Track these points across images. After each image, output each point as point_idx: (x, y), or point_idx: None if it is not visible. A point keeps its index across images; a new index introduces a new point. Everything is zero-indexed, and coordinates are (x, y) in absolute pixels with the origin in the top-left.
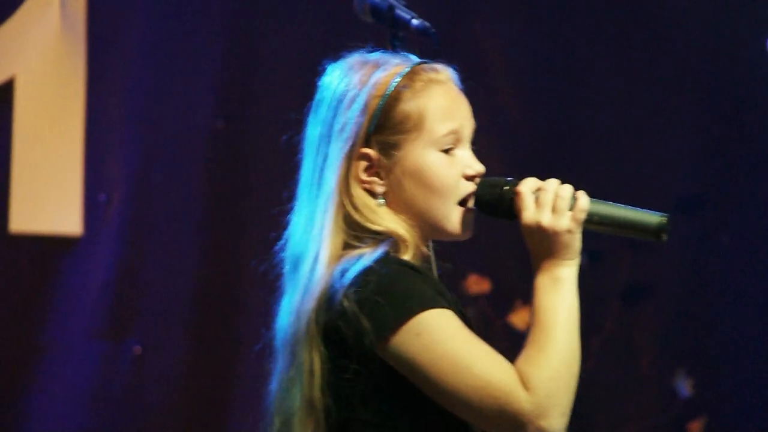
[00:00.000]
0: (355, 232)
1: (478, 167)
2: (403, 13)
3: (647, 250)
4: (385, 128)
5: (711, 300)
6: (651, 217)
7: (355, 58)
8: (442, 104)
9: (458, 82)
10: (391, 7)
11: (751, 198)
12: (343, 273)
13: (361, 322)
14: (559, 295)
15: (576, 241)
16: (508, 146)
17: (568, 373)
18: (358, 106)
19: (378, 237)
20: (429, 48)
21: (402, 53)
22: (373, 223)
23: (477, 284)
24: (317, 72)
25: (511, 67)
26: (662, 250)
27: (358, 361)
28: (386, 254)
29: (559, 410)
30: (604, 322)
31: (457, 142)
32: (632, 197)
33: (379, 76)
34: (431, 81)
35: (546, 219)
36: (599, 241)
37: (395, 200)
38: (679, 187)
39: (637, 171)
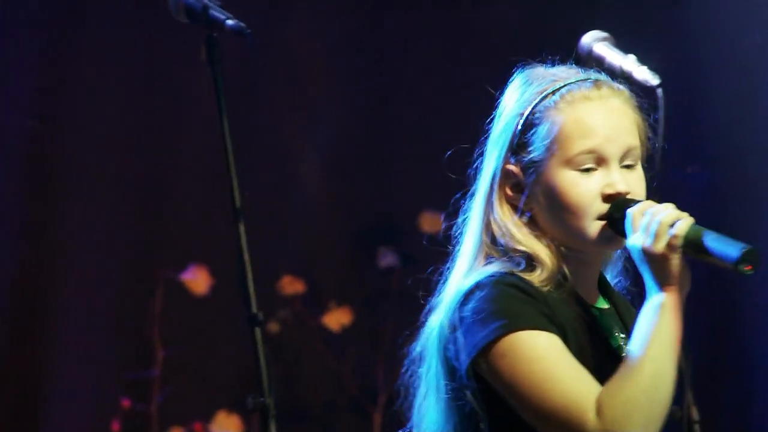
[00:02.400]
0: (498, 247)
1: (620, 187)
2: (217, 13)
3: None
4: (525, 146)
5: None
6: (734, 249)
7: (525, 73)
8: (581, 123)
9: (623, 99)
10: (206, 8)
11: None
12: (462, 288)
13: (458, 338)
14: (653, 321)
15: (673, 267)
16: (324, 146)
17: (647, 400)
18: (505, 124)
19: (517, 253)
20: (244, 49)
21: (583, 69)
22: (510, 239)
23: (291, 285)
24: (135, 70)
25: (326, 69)
26: None
27: (459, 377)
28: (501, 273)
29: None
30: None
31: (598, 161)
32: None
33: (529, 93)
34: (576, 99)
35: (643, 243)
36: None
37: (538, 217)
38: None
39: (459, 173)
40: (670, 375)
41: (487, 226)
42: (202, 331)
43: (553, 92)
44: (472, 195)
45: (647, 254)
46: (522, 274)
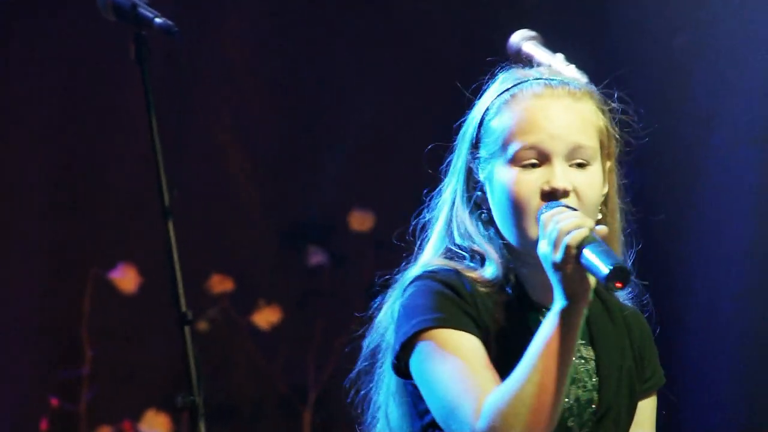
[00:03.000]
0: (458, 244)
1: (557, 183)
2: (145, 11)
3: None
4: (479, 145)
5: None
6: (604, 265)
7: (504, 73)
8: (526, 119)
9: (578, 99)
10: (134, 6)
11: None
12: (405, 281)
13: (393, 329)
14: (548, 331)
15: (570, 277)
16: (253, 144)
17: (529, 411)
18: (467, 122)
19: (470, 251)
20: (173, 47)
21: (532, 70)
22: (466, 236)
23: (220, 284)
24: (63, 68)
25: (255, 67)
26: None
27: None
28: (441, 269)
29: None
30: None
31: (541, 157)
32: (375, 197)
33: (491, 92)
34: (526, 97)
35: (545, 250)
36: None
37: (494, 215)
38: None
39: (389, 171)
40: (556, 386)
41: (449, 223)
42: (131, 330)
43: (507, 90)
44: (440, 191)
45: (548, 262)
46: (467, 273)
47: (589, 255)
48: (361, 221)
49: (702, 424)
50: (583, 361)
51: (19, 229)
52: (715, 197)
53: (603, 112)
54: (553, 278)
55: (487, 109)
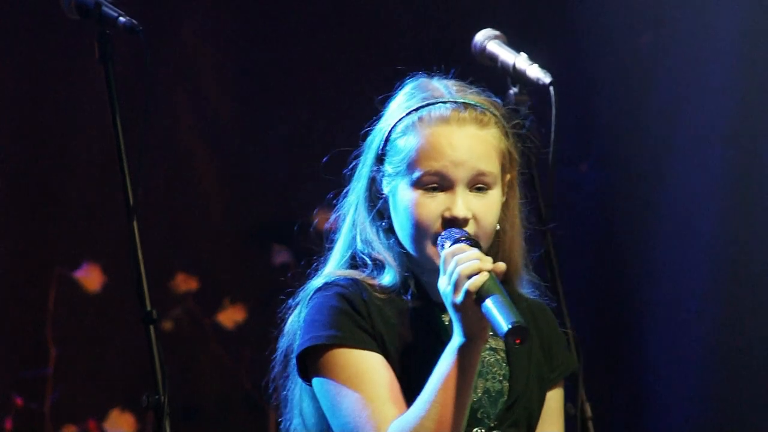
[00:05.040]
0: (361, 250)
1: (457, 212)
2: (109, 10)
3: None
4: (385, 159)
5: None
6: (504, 322)
7: (413, 83)
8: (430, 144)
9: (483, 125)
10: (98, 5)
11: None
12: (310, 289)
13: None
14: (447, 366)
15: (468, 318)
16: (217, 144)
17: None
18: (375, 132)
19: (372, 258)
20: (138, 46)
21: (442, 86)
22: (368, 243)
23: (185, 283)
24: (26, 67)
25: (220, 66)
26: None
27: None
28: (341, 279)
29: None
30: None
31: (444, 183)
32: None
33: (401, 106)
34: (433, 121)
35: (445, 289)
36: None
37: (395, 227)
38: None
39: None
40: (454, 420)
41: (353, 228)
42: (96, 329)
43: (417, 109)
44: (345, 195)
45: (448, 301)
46: (367, 281)
47: (491, 307)
48: (326, 220)
49: (666, 422)
50: (492, 352)
51: None
52: (679, 196)
53: (506, 133)
54: (453, 316)
55: (395, 125)
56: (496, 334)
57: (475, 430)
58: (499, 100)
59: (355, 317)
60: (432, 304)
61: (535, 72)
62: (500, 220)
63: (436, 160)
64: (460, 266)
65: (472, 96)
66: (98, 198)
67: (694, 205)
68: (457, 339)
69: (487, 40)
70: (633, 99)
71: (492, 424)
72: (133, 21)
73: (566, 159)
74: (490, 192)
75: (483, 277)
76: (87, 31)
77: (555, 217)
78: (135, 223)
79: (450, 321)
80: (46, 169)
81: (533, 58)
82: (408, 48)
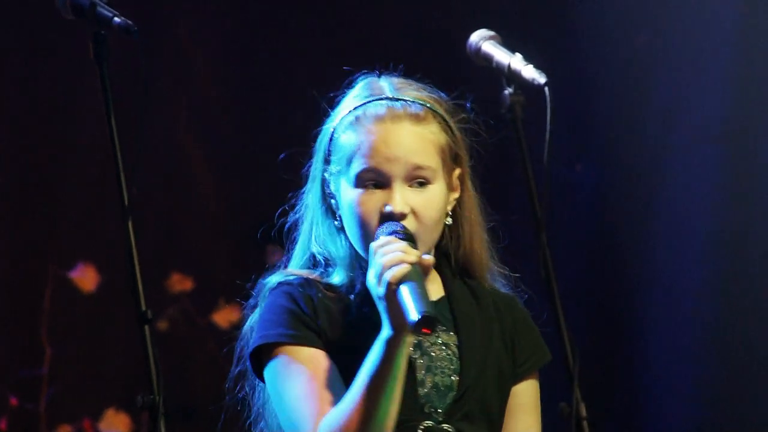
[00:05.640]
0: (315, 249)
1: (393, 207)
2: (104, 11)
3: None
4: (330, 159)
5: None
6: (413, 312)
7: (361, 83)
8: (366, 142)
9: (419, 120)
10: (93, 5)
11: None
12: (265, 288)
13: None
14: (375, 358)
15: (391, 309)
16: (213, 144)
17: (349, 425)
18: (323, 131)
19: (324, 256)
20: (133, 47)
21: (385, 83)
22: (321, 242)
23: (180, 283)
24: (21, 67)
25: (216, 67)
26: None
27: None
28: (292, 278)
29: None
30: None
31: (381, 180)
32: None
33: (342, 106)
34: (368, 118)
35: (371, 280)
36: None
37: (344, 225)
38: None
39: None
40: (382, 412)
41: (311, 228)
42: (91, 329)
43: (356, 108)
44: (304, 194)
45: (374, 293)
46: (318, 279)
47: (404, 296)
48: None
49: (662, 422)
50: (443, 347)
51: None
52: (675, 195)
53: (447, 128)
54: (379, 308)
55: (338, 125)
56: (442, 327)
57: (423, 424)
58: (444, 95)
59: (301, 316)
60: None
61: (530, 72)
62: (457, 216)
63: (371, 158)
64: (383, 258)
65: (411, 92)
66: (93, 198)
67: (691, 204)
68: (384, 331)
69: (482, 40)
70: (629, 98)
71: (440, 418)
72: (128, 21)
73: (562, 159)
74: (430, 187)
75: (404, 268)
76: (83, 31)
77: (550, 217)
78: (130, 223)
79: None
80: (40, 169)
81: (528, 58)
82: (403, 48)
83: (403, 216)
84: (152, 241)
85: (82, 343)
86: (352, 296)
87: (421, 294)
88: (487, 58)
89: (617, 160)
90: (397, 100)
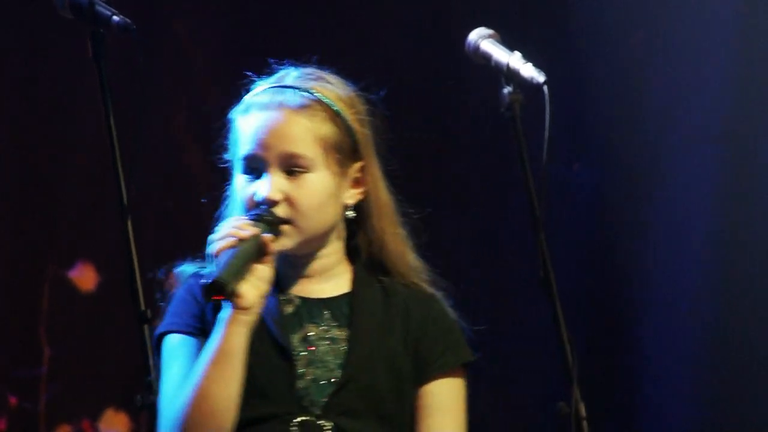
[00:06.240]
0: None
1: (261, 193)
2: (103, 9)
3: None
4: (229, 146)
5: None
6: (205, 280)
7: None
8: (244, 130)
9: (295, 108)
10: (92, 3)
11: (447, 197)
12: None
13: None
14: (213, 338)
15: None
16: (210, 143)
17: (194, 411)
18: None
19: None
20: (131, 45)
21: (283, 72)
22: None
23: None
24: (19, 65)
25: (213, 65)
26: None
27: None
28: (192, 271)
29: (164, 428)
30: None
31: (258, 166)
32: None
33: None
34: (249, 106)
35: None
36: None
37: None
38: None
39: None
40: (216, 388)
41: (225, 217)
42: (90, 329)
43: (249, 96)
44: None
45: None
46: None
47: (209, 266)
48: None
49: (662, 420)
50: (330, 341)
51: None
52: (673, 195)
53: (338, 120)
54: None
55: (234, 113)
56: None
57: (299, 418)
58: (349, 88)
59: (192, 305)
60: (276, 293)
61: (529, 71)
62: (365, 212)
63: (250, 145)
64: (216, 234)
65: (305, 82)
66: (92, 197)
67: (688, 204)
68: (224, 311)
69: (481, 39)
70: (626, 97)
71: (318, 413)
72: (127, 20)
73: (560, 158)
74: (306, 175)
75: (227, 242)
76: (82, 30)
77: (548, 216)
78: (129, 222)
79: (293, 311)
80: (39, 168)
81: (527, 57)
82: (402, 47)
83: (272, 202)
84: (152, 241)
85: (81, 342)
86: None
87: (228, 263)
88: (486, 57)
89: (615, 160)
90: (287, 87)
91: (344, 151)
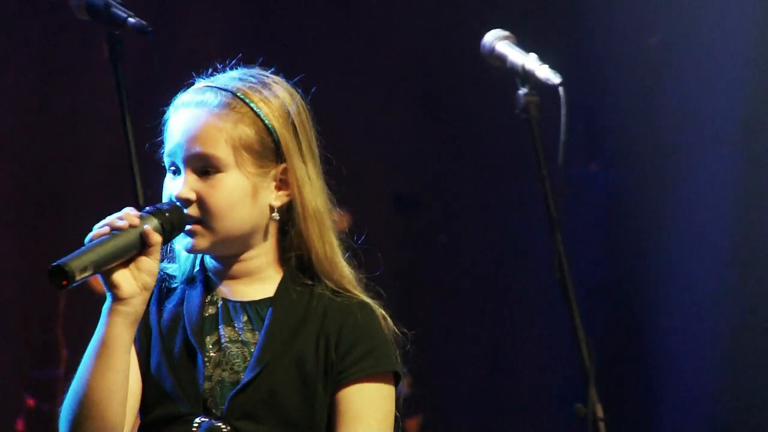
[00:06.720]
0: None
1: (173, 191)
2: (119, 11)
3: (362, 249)
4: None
5: (426, 299)
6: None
7: None
8: (171, 127)
9: (211, 108)
10: (108, 5)
11: (465, 198)
12: None
13: None
14: (97, 328)
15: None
16: None
17: (74, 401)
18: None
19: None
20: (147, 47)
21: (214, 74)
22: None
23: None
24: (38, 70)
25: (229, 66)
26: (379, 250)
27: None
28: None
29: (61, 422)
30: None
31: (175, 166)
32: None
33: None
34: (176, 105)
35: None
36: None
37: None
38: (393, 185)
39: (352, 169)
40: (93, 379)
41: None
42: None
43: (179, 96)
44: None
45: None
46: (166, 269)
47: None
48: (337, 221)
49: (680, 422)
50: (241, 344)
51: None
52: (690, 195)
53: (254, 120)
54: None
55: (168, 111)
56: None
57: (197, 419)
58: (289, 88)
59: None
60: (202, 294)
61: (545, 72)
62: (292, 216)
63: (169, 143)
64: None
65: (231, 83)
66: (108, 198)
67: (706, 204)
68: (107, 300)
69: (497, 40)
70: (643, 99)
71: (219, 414)
72: (143, 22)
73: (576, 158)
74: (217, 176)
75: (100, 230)
76: (98, 31)
77: (564, 216)
78: None
79: (213, 312)
80: (56, 170)
81: (543, 58)
82: (416, 49)
83: (186, 202)
84: None
85: None
86: (182, 286)
87: (82, 250)
88: (501, 58)
89: (632, 160)
90: (211, 87)
91: (263, 152)
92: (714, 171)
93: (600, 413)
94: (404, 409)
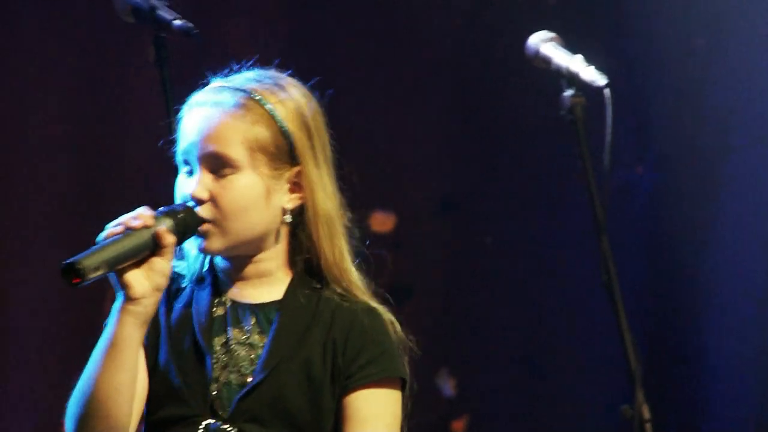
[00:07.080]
0: None
1: (188, 190)
2: (164, 13)
3: (408, 251)
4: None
5: (472, 300)
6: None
7: None
8: (185, 125)
9: (226, 108)
10: (153, 8)
11: (510, 199)
12: None
13: None
14: (106, 328)
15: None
16: None
17: (81, 398)
18: None
19: None
20: (192, 49)
21: (232, 74)
22: None
23: None
24: (83, 73)
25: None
26: (424, 251)
27: None
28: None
29: (67, 419)
30: None
31: (190, 164)
32: (395, 198)
33: None
34: (190, 103)
35: None
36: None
37: None
38: (439, 187)
39: (398, 171)
40: (102, 377)
41: None
42: None
43: (194, 94)
44: None
45: None
46: (174, 265)
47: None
48: (382, 222)
49: (724, 425)
50: (248, 347)
51: (38, 233)
52: (736, 197)
53: (269, 122)
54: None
55: (183, 110)
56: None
57: (205, 422)
58: (304, 91)
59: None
60: (211, 294)
61: (590, 74)
62: (305, 219)
63: (182, 141)
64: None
65: (248, 84)
66: (153, 199)
67: (752, 206)
68: (118, 299)
69: (542, 42)
70: (689, 100)
71: (225, 417)
72: (189, 24)
73: (622, 161)
74: (231, 177)
75: (113, 229)
76: (143, 34)
77: (610, 219)
78: None
79: (222, 314)
80: (100, 173)
81: (588, 60)
82: (461, 49)
83: (199, 201)
84: None
85: None
86: (192, 286)
87: (95, 249)
88: (546, 60)
89: (677, 162)
90: (228, 87)
91: (278, 154)
92: (761, 172)
93: (647, 415)
94: (451, 410)
